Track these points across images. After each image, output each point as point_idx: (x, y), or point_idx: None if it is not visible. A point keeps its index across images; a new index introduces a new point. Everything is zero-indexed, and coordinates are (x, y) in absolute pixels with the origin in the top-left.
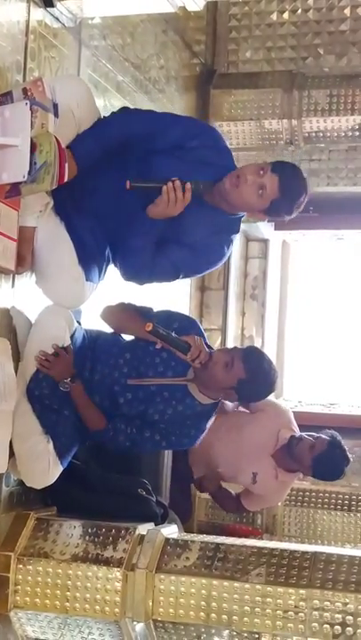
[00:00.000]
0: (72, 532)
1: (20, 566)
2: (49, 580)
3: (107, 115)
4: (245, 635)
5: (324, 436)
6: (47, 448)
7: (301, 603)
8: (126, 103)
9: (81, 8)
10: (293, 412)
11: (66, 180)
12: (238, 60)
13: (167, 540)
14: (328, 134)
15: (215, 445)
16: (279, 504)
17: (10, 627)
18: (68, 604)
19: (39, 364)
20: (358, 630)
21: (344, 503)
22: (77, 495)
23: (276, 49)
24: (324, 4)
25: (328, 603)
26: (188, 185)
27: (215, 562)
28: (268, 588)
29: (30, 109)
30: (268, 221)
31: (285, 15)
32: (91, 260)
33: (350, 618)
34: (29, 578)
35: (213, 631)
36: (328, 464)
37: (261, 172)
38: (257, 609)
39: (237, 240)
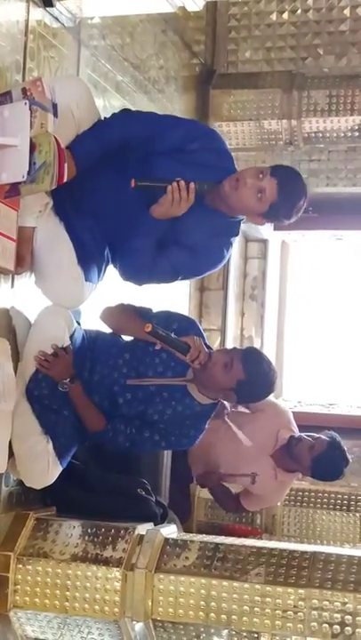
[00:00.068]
0: (71, 531)
1: (20, 566)
2: (48, 579)
3: (107, 115)
4: (245, 634)
5: (323, 437)
6: (46, 448)
7: (300, 602)
8: (126, 103)
9: (80, 8)
10: (293, 413)
11: (65, 180)
12: (238, 61)
13: (166, 539)
14: (328, 135)
15: (214, 445)
16: (278, 504)
17: (9, 626)
18: (67, 603)
19: (38, 364)
20: (357, 629)
21: (343, 503)
22: (77, 495)
23: (275, 49)
24: (324, 5)
25: (327, 602)
26: (193, 185)
27: (214, 561)
28: (268, 588)
29: (29, 109)
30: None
31: (285, 15)
32: (90, 260)
33: (349, 617)
34: (29, 578)
35: (213, 631)
36: (328, 465)
37: (261, 176)
38: (256, 608)
39: (237, 240)
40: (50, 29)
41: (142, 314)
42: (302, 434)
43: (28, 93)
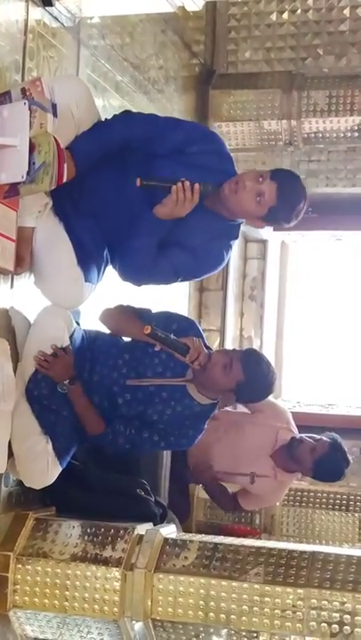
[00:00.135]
0: (71, 531)
1: (19, 566)
2: (48, 579)
3: (107, 116)
4: (244, 634)
5: (325, 439)
6: (46, 448)
7: (299, 602)
8: (125, 103)
9: (80, 7)
10: (292, 413)
11: (65, 180)
12: (237, 61)
13: (166, 539)
14: (327, 135)
15: (214, 445)
16: (277, 504)
17: (9, 626)
18: (67, 603)
19: (38, 364)
20: (356, 629)
21: (342, 503)
22: (76, 495)
23: (275, 49)
24: (324, 5)
25: (326, 602)
26: (197, 186)
27: (214, 561)
28: (267, 588)
29: (29, 109)
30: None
31: (285, 15)
32: (89, 261)
33: (348, 617)
34: (28, 577)
35: (212, 630)
36: (329, 467)
37: (260, 179)
38: (255, 608)
39: (236, 241)
40: (49, 29)
41: (142, 315)
42: (303, 435)
43: (28, 93)
